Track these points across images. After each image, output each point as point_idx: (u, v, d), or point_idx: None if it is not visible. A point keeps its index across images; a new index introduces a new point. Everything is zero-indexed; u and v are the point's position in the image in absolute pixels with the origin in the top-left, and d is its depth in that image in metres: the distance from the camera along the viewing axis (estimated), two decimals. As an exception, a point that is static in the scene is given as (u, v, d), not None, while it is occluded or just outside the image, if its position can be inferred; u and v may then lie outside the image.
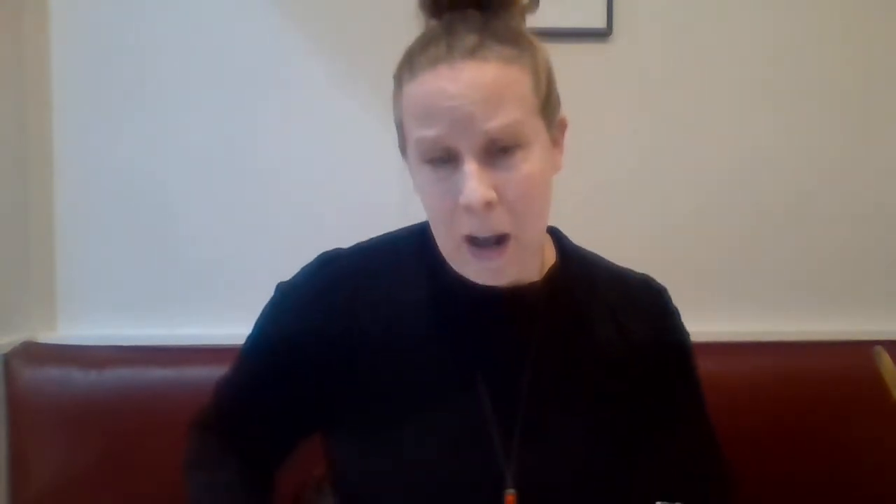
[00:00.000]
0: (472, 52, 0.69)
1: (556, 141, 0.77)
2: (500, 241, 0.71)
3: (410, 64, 0.72)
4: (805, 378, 1.33)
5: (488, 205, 0.69)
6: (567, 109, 1.40)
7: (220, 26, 1.40)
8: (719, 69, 1.43)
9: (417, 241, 0.81)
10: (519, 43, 0.72)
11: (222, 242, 1.42)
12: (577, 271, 0.84)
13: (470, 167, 0.68)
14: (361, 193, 1.39)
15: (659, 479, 0.81)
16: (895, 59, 1.44)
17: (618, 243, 1.44)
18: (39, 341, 1.39)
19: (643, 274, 0.89)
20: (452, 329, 0.79)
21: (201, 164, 1.41)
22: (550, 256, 0.83)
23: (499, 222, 0.70)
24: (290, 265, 1.38)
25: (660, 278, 1.50)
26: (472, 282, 0.76)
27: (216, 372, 1.31)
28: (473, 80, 0.68)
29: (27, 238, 1.40)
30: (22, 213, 1.40)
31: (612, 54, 1.42)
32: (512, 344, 0.79)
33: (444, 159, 0.70)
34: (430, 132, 0.69)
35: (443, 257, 0.77)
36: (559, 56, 1.41)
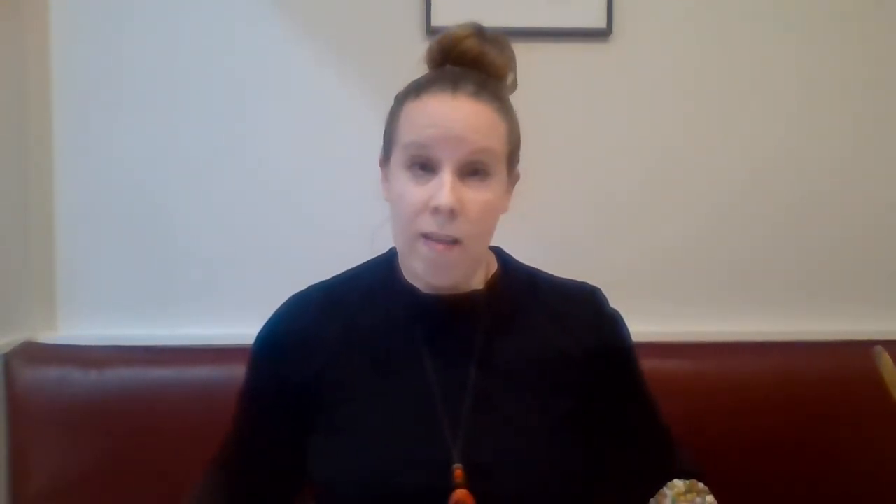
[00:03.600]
0: (472, 95, 0.85)
1: (508, 188, 0.91)
2: (451, 242, 0.83)
3: (417, 91, 0.86)
4: (805, 378, 1.33)
5: (452, 212, 0.81)
6: (567, 109, 1.42)
7: (221, 29, 1.40)
8: (720, 69, 1.43)
9: (382, 266, 0.95)
10: (504, 103, 0.88)
11: (222, 243, 1.42)
12: (517, 280, 0.96)
13: (447, 177, 0.82)
14: (360, 196, 1.38)
15: (608, 461, 0.93)
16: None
17: (616, 243, 1.45)
18: (39, 341, 1.39)
19: (581, 281, 0.99)
20: (404, 329, 0.91)
21: (201, 165, 1.41)
22: (493, 269, 0.95)
23: (455, 229, 0.83)
24: (288, 266, 1.39)
25: (657, 278, 1.50)
26: (420, 290, 0.90)
27: (216, 372, 1.33)
28: (469, 112, 0.84)
29: (27, 238, 1.40)
30: (22, 213, 1.40)
31: (612, 54, 1.42)
32: (456, 340, 0.90)
33: (425, 167, 0.83)
34: (421, 139, 0.83)
35: (400, 273, 0.92)
36: (559, 56, 1.42)
